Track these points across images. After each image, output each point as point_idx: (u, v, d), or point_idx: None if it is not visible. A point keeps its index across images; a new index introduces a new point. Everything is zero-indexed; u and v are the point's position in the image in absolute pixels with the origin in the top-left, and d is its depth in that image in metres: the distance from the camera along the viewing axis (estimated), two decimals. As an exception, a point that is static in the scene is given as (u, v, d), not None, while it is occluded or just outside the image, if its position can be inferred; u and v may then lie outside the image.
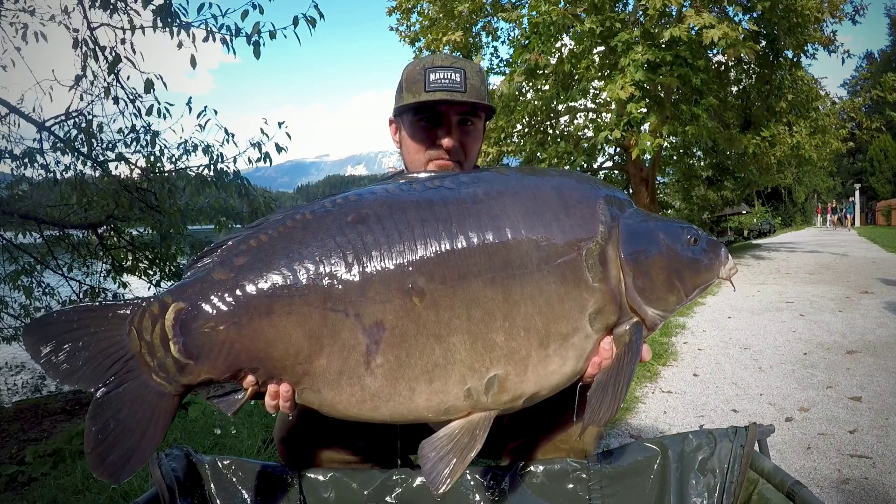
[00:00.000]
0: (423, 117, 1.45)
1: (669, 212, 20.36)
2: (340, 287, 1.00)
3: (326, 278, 1.00)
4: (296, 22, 4.53)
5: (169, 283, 6.46)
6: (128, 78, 5.60)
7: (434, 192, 1.08)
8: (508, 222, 1.04)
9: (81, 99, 5.46)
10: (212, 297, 1.01)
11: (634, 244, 1.10)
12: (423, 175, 1.14)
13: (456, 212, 1.04)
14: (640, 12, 11.22)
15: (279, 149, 5.59)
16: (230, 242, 1.06)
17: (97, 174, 5.83)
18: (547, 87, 12.60)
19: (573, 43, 11.26)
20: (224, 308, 1.01)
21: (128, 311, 1.02)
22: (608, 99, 11.07)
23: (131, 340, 1.02)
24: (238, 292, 1.01)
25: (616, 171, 16.45)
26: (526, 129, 14.31)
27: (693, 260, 1.15)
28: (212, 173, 5.73)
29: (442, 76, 1.41)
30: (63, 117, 5.51)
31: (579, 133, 14.62)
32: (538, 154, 13.53)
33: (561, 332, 1.04)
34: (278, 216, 1.08)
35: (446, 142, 1.43)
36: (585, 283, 1.05)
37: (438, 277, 1.00)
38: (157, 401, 1.02)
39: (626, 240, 1.10)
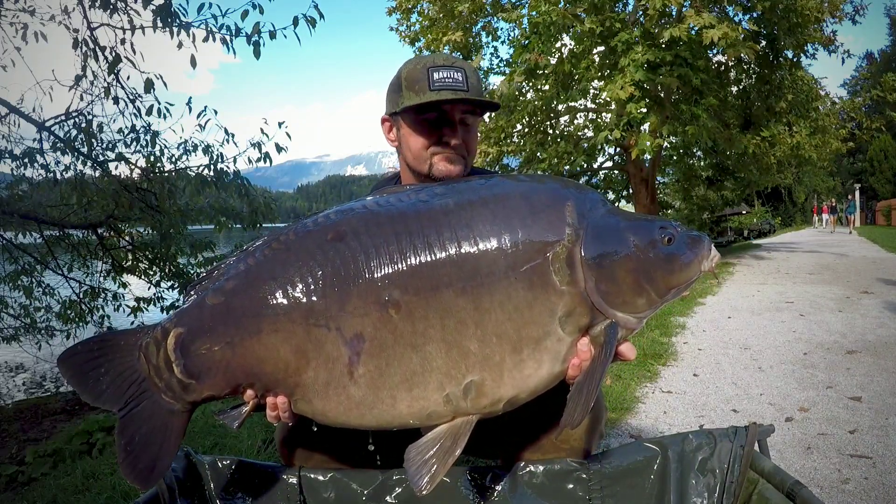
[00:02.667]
0: (427, 116, 1.46)
1: (669, 212, 20.34)
2: (321, 303, 1.06)
3: (308, 296, 1.06)
4: (296, 22, 4.53)
5: (168, 283, 6.47)
6: (128, 78, 5.61)
7: (409, 205, 1.12)
8: (477, 231, 1.06)
9: (81, 99, 5.48)
10: (206, 321, 1.10)
11: (597, 247, 1.08)
12: (401, 188, 1.19)
13: (428, 224, 1.07)
14: (640, 12, 11.22)
15: (279, 149, 5.59)
16: (222, 267, 1.14)
17: (97, 174, 5.84)
18: (547, 87, 12.59)
19: (573, 43, 11.26)
20: (217, 330, 1.09)
21: (136, 338, 1.13)
22: (608, 99, 11.05)
23: (141, 365, 1.12)
24: (229, 315, 1.09)
25: (616, 171, 16.45)
26: (526, 129, 14.30)
27: (666, 260, 1.10)
28: (212, 173, 5.73)
29: (445, 75, 1.42)
30: (63, 117, 5.51)
31: (579, 133, 14.62)
32: (538, 154, 13.53)
33: (532, 336, 1.06)
34: (266, 238, 1.16)
35: (454, 141, 1.46)
36: (553, 288, 1.06)
37: (412, 289, 1.04)
38: (169, 417, 1.12)
39: (590, 242, 1.08)
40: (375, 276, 1.05)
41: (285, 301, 1.07)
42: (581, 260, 1.07)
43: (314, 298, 1.06)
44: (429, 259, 1.05)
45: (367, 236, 1.07)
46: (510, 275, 1.05)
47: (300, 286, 1.07)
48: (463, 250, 1.05)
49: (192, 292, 1.14)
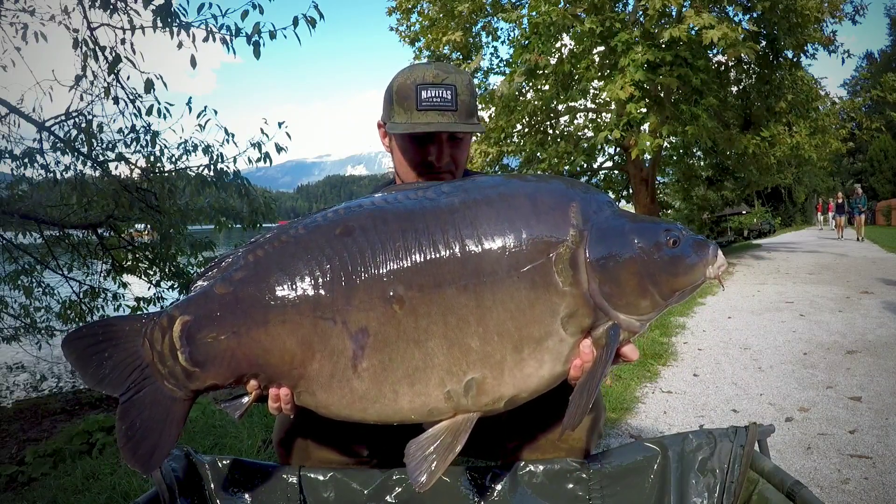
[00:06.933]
0: (414, 136, 1.48)
1: (669, 212, 20.33)
2: (328, 296, 1.07)
3: (316, 289, 1.08)
4: (296, 22, 4.54)
5: (169, 283, 6.48)
6: (128, 78, 5.61)
7: (415, 202, 1.13)
8: (481, 230, 1.07)
9: (81, 99, 5.47)
10: (213, 310, 1.10)
11: (601, 248, 1.08)
12: (408, 186, 1.20)
13: (433, 222, 1.09)
14: (640, 12, 11.22)
15: (279, 149, 5.59)
16: (231, 258, 1.15)
17: (97, 174, 5.84)
18: (547, 87, 12.60)
19: (573, 43, 11.26)
20: (224, 319, 1.09)
21: (141, 325, 1.13)
22: (608, 99, 11.06)
23: (145, 351, 1.12)
24: (236, 305, 1.09)
25: (616, 171, 16.45)
26: (526, 129, 14.30)
27: (670, 263, 1.10)
28: (212, 173, 5.73)
29: (433, 94, 1.42)
30: (63, 117, 5.51)
31: (579, 133, 14.62)
32: (538, 154, 13.53)
33: (534, 336, 1.07)
34: (275, 231, 1.17)
35: (439, 162, 1.48)
36: (555, 288, 1.07)
37: (416, 286, 1.06)
38: (171, 404, 1.13)
39: (595, 244, 1.08)
40: (381, 271, 1.06)
41: (293, 293, 1.08)
42: (584, 261, 1.08)
43: (322, 292, 1.07)
44: (433, 256, 1.06)
45: (374, 232, 1.09)
46: (513, 274, 1.06)
47: (308, 279, 1.08)
48: (466, 248, 1.07)
49: (199, 281, 1.15)
